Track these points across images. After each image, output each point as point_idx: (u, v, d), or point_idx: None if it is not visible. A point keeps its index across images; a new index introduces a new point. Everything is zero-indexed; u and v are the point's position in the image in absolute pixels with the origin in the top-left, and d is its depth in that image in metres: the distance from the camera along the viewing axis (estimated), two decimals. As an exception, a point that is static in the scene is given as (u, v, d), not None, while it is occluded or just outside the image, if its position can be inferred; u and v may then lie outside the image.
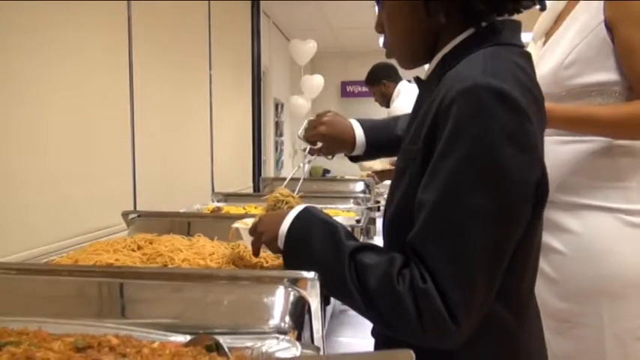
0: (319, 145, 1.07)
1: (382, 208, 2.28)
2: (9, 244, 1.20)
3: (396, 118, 1.10)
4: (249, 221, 0.91)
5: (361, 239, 1.35)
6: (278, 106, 5.59)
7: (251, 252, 0.85)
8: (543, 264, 1.11)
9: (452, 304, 0.58)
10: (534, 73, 0.71)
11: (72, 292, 0.70)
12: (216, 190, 3.01)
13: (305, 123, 1.12)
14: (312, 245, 0.70)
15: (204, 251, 0.96)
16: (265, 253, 0.92)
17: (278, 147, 5.68)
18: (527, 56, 0.71)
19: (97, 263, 0.91)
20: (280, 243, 0.74)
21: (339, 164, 7.73)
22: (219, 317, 0.64)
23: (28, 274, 0.75)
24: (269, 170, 5.16)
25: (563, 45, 1.12)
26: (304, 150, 1.14)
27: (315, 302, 0.67)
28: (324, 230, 0.71)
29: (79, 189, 1.49)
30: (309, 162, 1.13)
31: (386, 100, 3.07)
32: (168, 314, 0.66)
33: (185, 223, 1.28)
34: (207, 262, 0.91)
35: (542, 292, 1.06)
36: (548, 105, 0.81)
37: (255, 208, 1.73)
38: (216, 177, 2.99)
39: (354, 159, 1.12)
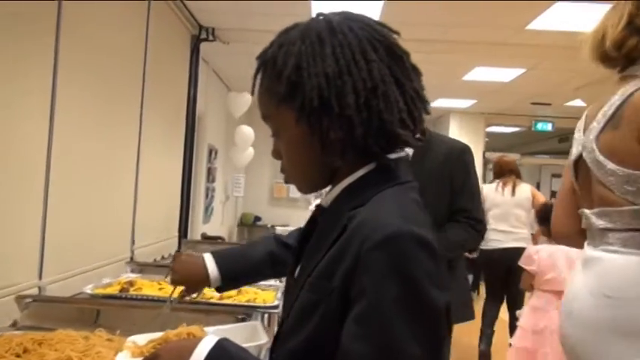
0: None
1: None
2: None
3: (253, 244, 1.16)
4: (142, 338, 0.83)
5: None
6: (212, 152, 5.49)
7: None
8: None
9: None
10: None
11: None
12: (136, 240, 2.86)
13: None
14: None
15: (98, 362, 0.87)
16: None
17: (209, 193, 5.54)
18: (417, 189, 0.76)
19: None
20: None
21: (269, 212, 7.68)
22: None
23: None
24: (197, 217, 5.00)
25: None
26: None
27: None
28: None
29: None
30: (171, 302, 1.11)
31: None
32: None
33: (88, 310, 1.17)
34: (99, 381, 0.82)
35: None
36: None
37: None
38: (138, 224, 2.84)
39: (219, 290, 1.11)
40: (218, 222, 6.18)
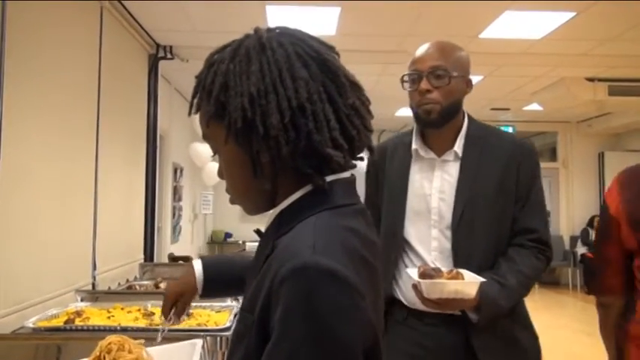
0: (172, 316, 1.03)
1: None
2: None
3: (243, 254, 1.09)
4: None
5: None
6: (177, 171, 5.41)
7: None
8: None
9: None
10: (370, 225, 0.72)
11: None
12: (98, 265, 2.78)
13: None
14: None
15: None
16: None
17: (176, 212, 5.45)
18: (362, 212, 0.72)
19: None
20: None
21: (240, 229, 7.59)
22: None
23: None
24: (165, 237, 4.91)
25: None
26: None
27: None
28: None
29: None
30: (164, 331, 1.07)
31: None
32: None
33: (31, 346, 1.12)
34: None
35: None
36: None
37: (122, 309, 1.59)
38: (100, 248, 2.76)
39: (202, 296, 1.06)
40: (187, 241, 6.08)
